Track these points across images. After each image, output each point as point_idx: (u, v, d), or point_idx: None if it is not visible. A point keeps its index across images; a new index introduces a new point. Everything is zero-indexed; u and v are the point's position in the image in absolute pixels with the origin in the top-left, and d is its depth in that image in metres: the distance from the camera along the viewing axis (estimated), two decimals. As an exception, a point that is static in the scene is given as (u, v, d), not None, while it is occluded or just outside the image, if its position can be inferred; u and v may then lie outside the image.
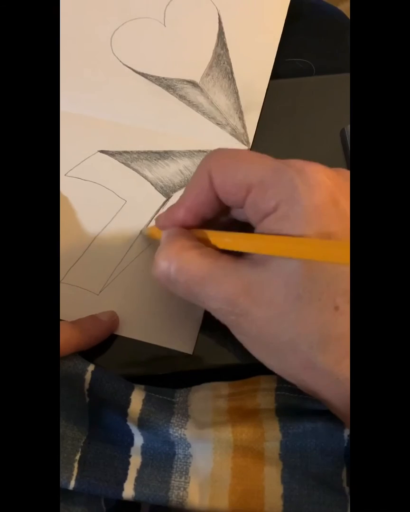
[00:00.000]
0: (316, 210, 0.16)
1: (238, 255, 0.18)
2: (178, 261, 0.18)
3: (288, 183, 0.17)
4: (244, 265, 0.17)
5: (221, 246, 0.19)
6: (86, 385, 0.22)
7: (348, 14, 0.35)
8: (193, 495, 0.20)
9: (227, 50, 0.29)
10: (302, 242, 0.16)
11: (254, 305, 0.17)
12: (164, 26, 0.29)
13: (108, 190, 0.26)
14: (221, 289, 0.17)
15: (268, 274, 0.17)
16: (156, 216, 0.26)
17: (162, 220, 0.21)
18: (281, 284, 0.16)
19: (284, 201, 0.17)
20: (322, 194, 0.16)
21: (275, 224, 0.17)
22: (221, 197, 0.19)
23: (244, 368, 0.24)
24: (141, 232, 0.26)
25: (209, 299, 0.18)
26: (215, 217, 0.20)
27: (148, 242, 0.26)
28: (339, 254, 0.15)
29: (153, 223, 0.26)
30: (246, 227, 0.20)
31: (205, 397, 0.23)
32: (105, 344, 0.24)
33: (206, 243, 0.19)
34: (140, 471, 0.20)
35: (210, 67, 0.29)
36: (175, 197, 0.26)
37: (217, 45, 0.29)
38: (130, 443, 0.21)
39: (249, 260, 0.18)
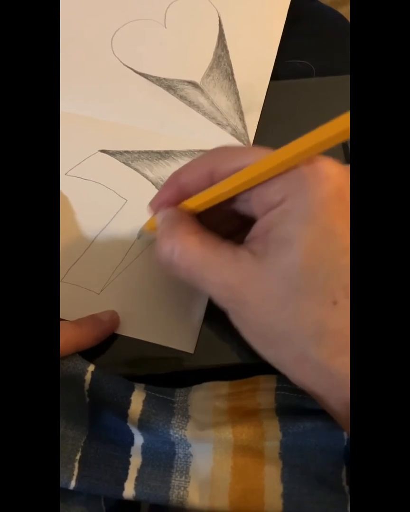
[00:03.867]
0: (322, 205, 0.16)
1: (238, 242, 0.18)
2: (181, 246, 0.18)
3: (296, 176, 0.17)
4: (244, 255, 0.17)
5: (214, 198, 0.19)
6: (86, 386, 0.21)
7: (347, 18, 0.36)
8: (194, 494, 0.20)
9: (227, 51, 0.29)
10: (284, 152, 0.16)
11: (251, 295, 0.17)
12: (165, 27, 0.30)
13: (109, 189, 0.26)
14: (220, 277, 0.18)
15: (266, 265, 0.17)
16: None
17: (154, 201, 0.21)
18: (278, 276, 0.17)
19: (290, 194, 0.17)
20: (330, 188, 0.16)
21: (278, 217, 0.17)
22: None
23: (244, 367, 0.24)
24: (138, 236, 0.26)
25: (209, 285, 0.18)
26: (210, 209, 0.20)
27: (148, 242, 0.26)
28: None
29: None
30: (245, 224, 0.20)
31: (204, 397, 0.23)
32: (106, 343, 0.24)
33: (198, 209, 0.19)
34: (140, 471, 0.20)
35: (211, 68, 0.29)
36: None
37: (217, 47, 0.29)
38: (131, 442, 0.21)
39: (248, 251, 0.18)
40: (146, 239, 0.26)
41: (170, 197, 0.20)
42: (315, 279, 0.16)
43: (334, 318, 0.16)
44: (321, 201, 0.16)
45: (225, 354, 0.24)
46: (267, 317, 0.17)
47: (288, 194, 0.17)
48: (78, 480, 0.19)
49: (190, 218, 0.19)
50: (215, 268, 0.18)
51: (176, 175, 0.20)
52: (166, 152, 0.27)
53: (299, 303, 0.16)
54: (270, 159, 0.16)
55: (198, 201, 0.19)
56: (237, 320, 0.19)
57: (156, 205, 0.21)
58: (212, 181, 0.19)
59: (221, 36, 0.29)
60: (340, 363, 0.16)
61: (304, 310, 0.16)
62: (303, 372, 0.17)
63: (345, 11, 0.37)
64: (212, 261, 0.18)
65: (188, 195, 0.20)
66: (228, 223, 0.21)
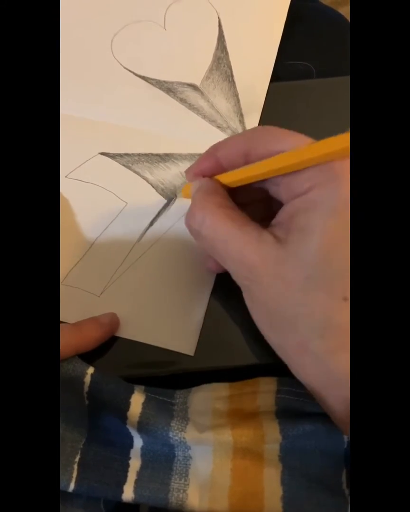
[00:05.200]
0: (348, 202, 0.16)
1: (264, 226, 0.19)
2: (210, 218, 0.19)
3: (327, 168, 0.17)
4: (267, 238, 0.18)
5: (238, 180, 0.20)
6: (86, 388, 0.22)
7: (348, 18, 0.36)
8: (193, 497, 0.20)
9: (227, 53, 0.29)
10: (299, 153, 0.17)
11: (267, 276, 0.17)
12: (165, 29, 0.30)
13: (109, 192, 0.26)
14: (241, 254, 0.18)
15: (286, 251, 0.17)
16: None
17: (191, 170, 0.22)
18: (295, 262, 0.17)
19: (318, 185, 0.17)
20: None
21: (303, 205, 0.17)
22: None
23: (244, 369, 0.24)
24: (176, 195, 0.26)
25: (229, 260, 0.19)
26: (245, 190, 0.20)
27: (149, 245, 0.26)
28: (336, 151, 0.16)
29: (156, 224, 0.26)
30: (269, 210, 0.20)
31: (204, 399, 0.23)
32: (106, 345, 0.24)
33: (230, 185, 0.20)
34: (140, 473, 0.20)
35: (210, 70, 0.29)
36: (178, 197, 0.27)
37: (217, 49, 0.29)
38: (130, 445, 0.21)
39: (272, 235, 0.18)
40: (148, 239, 0.26)
41: (207, 169, 0.21)
42: (329, 271, 0.16)
43: (342, 313, 0.16)
44: (348, 198, 0.16)
45: (225, 357, 0.24)
46: (277, 300, 0.17)
47: (315, 184, 0.17)
48: (77, 482, 0.19)
49: (223, 192, 0.20)
50: (238, 245, 0.18)
51: (215, 147, 0.21)
52: (167, 154, 0.27)
53: (310, 292, 0.17)
54: (308, 150, 0.17)
55: (231, 178, 0.20)
56: (248, 299, 0.19)
57: (192, 173, 0.22)
58: (246, 160, 0.19)
59: (221, 37, 0.29)
60: (338, 359, 0.16)
61: (313, 300, 0.17)
62: (302, 363, 0.18)
63: (345, 11, 0.37)
64: (237, 238, 0.18)
65: (223, 169, 0.20)
66: (256, 207, 0.22)
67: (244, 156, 0.19)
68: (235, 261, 0.18)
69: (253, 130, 0.20)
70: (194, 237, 0.21)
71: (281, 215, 0.19)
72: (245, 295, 0.20)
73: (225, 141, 0.21)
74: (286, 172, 0.18)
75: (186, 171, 0.22)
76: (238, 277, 0.19)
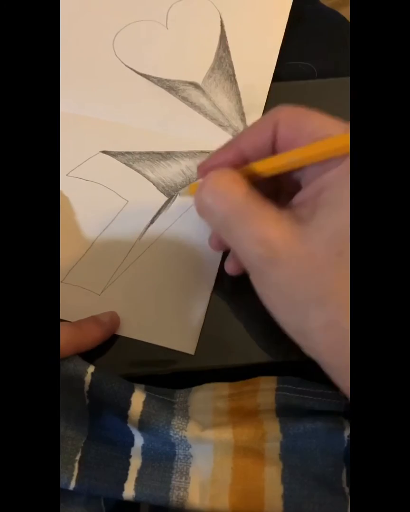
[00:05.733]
0: None
1: (282, 207, 0.18)
2: (224, 190, 0.17)
3: None
4: (287, 216, 0.17)
5: (265, 169, 0.18)
6: (86, 387, 0.21)
7: (348, 19, 0.36)
8: (194, 495, 0.20)
9: (228, 52, 0.29)
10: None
11: (290, 256, 0.16)
12: (167, 28, 0.30)
13: (110, 190, 0.26)
14: (260, 230, 0.17)
15: (311, 228, 0.16)
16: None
17: (206, 163, 0.20)
18: (323, 239, 0.16)
19: (345, 164, 0.16)
20: None
21: (335, 178, 0.16)
22: (280, 148, 0.18)
23: (245, 368, 0.24)
24: (179, 194, 0.25)
25: (245, 237, 0.17)
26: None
27: (149, 243, 0.26)
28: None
29: (157, 222, 0.26)
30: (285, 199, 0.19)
31: (205, 398, 0.23)
32: (107, 344, 0.24)
33: (262, 174, 0.19)
34: (140, 472, 0.20)
35: (212, 69, 0.29)
36: (179, 195, 0.27)
37: (219, 48, 0.29)
38: (131, 443, 0.21)
39: (293, 214, 0.17)
40: (149, 238, 0.26)
41: (226, 162, 0.19)
42: None
43: None
44: None
45: (226, 355, 0.24)
46: (302, 280, 0.16)
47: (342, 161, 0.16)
48: (78, 480, 0.19)
49: (241, 176, 0.18)
50: (257, 219, 0.17)
51: (237, 138, 0.19)
52: (168, 153, 0.27)
53: (341, 269, 0.16)
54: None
55: (265, 167, 0.18)
56: (260, 283, 0.18)
57: (207, 168, 0.20)
58: (272, 146, 0.18)
59: (223, 37, 0.30)
60: None
61: (344, 276, 0.16)
62: (330, 340, 0.16)
63: (346, 12, 0.37)
64: (255, 212, 0.17)
65: (245, 162, 0.19)
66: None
67: (271, 144, 0.18)
68: (251, 238, 0.17)
69: (276, 112, 0.18)
70: (203, 211, 0.18)
71: (305, 193, 0.18)
72: (255, 279, 0.18)
73: (249, 129, 0.19)
74: (335, 155, 0.16)
75: (200, 166, 0.20)
76: (251, 257, 0.17)
